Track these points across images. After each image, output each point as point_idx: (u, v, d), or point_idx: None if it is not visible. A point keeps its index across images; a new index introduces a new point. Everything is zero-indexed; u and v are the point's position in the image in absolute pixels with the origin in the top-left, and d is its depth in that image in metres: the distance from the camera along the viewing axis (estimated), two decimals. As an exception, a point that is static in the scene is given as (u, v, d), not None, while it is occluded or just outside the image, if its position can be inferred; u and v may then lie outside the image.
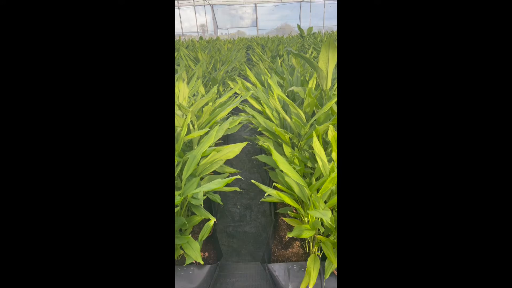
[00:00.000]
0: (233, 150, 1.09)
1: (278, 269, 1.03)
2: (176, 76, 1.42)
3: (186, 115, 1.34)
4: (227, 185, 1.77)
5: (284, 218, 1.16)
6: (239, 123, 1.46)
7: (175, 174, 1.11)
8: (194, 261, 1.13)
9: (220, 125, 1.19)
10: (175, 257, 1.12)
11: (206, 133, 1.21)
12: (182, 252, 1.10)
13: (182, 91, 1.55)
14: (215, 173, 1.56)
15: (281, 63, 2.96)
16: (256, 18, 13.33)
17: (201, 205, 1.04)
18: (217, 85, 2.30)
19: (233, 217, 1.64)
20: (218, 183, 0.86)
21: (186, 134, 1.28)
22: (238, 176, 0.89)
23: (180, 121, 1.23)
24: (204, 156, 1.07)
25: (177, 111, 1.35)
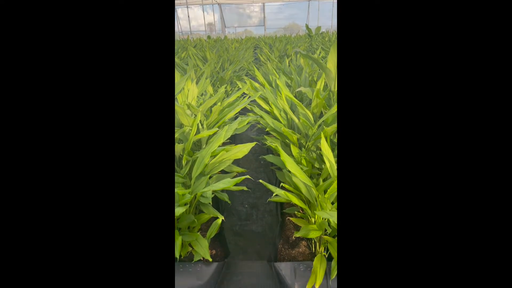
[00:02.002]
0: (242, 150, 1.11)
1: (284, 268, 1.04)
2: (185, 76, 1.44)
3: (196, 115, 1.36)
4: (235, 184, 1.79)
5: (291, 218, 1.18)
6: (247, 123, 1.48)
7: (185, 173, 1.13)
8: (202, 258, 1.15)
9: (228, 125, 1.21)
10: (184, 254, 1.14)
11: (215, 133, 1.23)
12: (190, 249, 1.12)
13: (191, 91, 1.58)
14: (223, 172, 1.58)
15: (289, 63, 2.96)
16: (264, 17, 13.31)
17: (209, 203, 1.06)
18: (225, 85, 2.32)
19: (240, 216, 1.66)
20: (227, 183, 0.88)
21: (196, 134, 1.30)
22: (247, 176, 0.90)
23: (190, 121, 1.25)
24: (213, 155, 1.09)
25: (187, 111, 1.37)
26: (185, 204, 0.92)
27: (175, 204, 0.89)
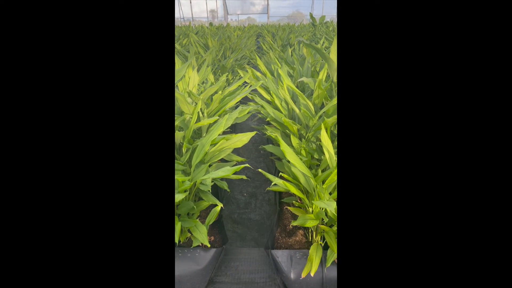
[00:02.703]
0: (242, 139, 1.11)
1: (281, 256, 1.07)
2: (186, 63, 1.43)
3: (196, 103, 1.35)
4: (235, 173, 1.81)
5: (289, 207, 1.19)
6: (248, 113, 1.47)
7: (184, 161, 1.14)
8: (200, 244, 1.17)
9: (229, 113, 1.21)
10: (183, 240, 1.16)
11: (216, 122, 1.23)
12: (189, 235, 1.15)
13: (192, 79, 1.56)
14: (222, 160, 1.59)
15: (291, 52, 2.93)
16: (268, 4, 13.03)
17: (209, 191, 1.07)
18: (227, 73, 2.30)
19: (239, 204, 1.68)
20: (226, 171, 0.89)
21: (196, 122, 1.30)
22: (247, 165, 0.91)
23: (190, 109, 1.25)
24: (213, 144, 1.09)
25: (187, 98, 1.37)
26: (185, 191, 0.93)
27: (175, 191, 0.90)
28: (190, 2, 8.54)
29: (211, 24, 7.33)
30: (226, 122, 1.08)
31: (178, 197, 0.84)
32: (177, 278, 1.06)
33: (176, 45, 3.04)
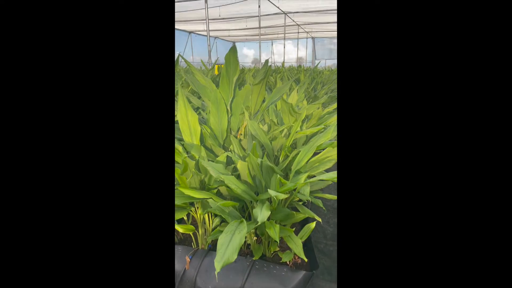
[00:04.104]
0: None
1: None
2: (288, 82, 1.47)
3: (297, 117, 1.34)
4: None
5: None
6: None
7: (282, 168, 1.10)
8: (287, 262, 1.06)
9: (334, 125, 1.14)
10: (269, 254, 1.07)
11: (319, 131, 1.17)
12: (278, 249, 1.05)
13: (291, 96, 1.59)
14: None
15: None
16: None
17: (307, 200, 0.98)
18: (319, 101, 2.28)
19: (325, 234, 1.51)
20: (333, 175, 0.80)
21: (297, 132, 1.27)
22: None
23: (291, 119, 1.24)
24: (318, 150, 1.02)
25: (289, 112, 1.37)
26: (286, 193, 0.87)
27: (275, 191, 0.85)
28: (284, 47, 9.42)
29: (300, 66, 7.74)
30: (333, 131, 1.01)
31: (279, 196, 0.79)
32: (260, 293, 0.95)
33: (271, 77, 3.27)
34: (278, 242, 0.99)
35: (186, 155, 0.90)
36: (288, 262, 1.05)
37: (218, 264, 0.65)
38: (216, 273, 0.68)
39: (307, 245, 1.14)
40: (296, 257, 1.09)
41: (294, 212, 0.95)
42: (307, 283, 1.02)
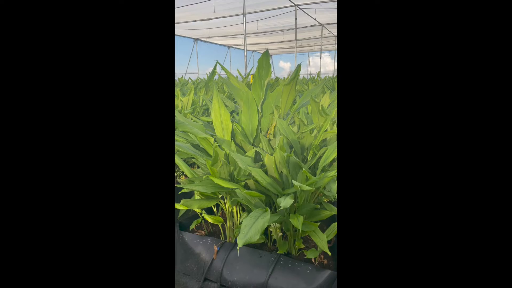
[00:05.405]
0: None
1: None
2: (320, 84, 1.48)
3: (327, 117, 1.34)
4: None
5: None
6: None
7: (309, 166, 1.11)
8: (313, 260, 1.04)
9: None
10: (294, 252, 1.07)
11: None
12: (303, 246, 1.04)
13: (323, 99, 1.60)
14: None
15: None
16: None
17: (333, 198, 0.97)
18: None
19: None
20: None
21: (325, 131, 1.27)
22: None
23: (321, 120, 1.24)
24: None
25: (319, 112, 1.38)
26: (311, 186, 0.87)
27: (302, 184, 0.86)
28: (320, 59, 9.47)
29: (336, 77, 7.64)
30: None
31: (303, 187, 0.80)
32: (283, 288, 0.95)
33: (305, 85, 3.29)
34: (301, 232, 0.99)
35: (217, 145, 0.96)
36: (313, 260, 1.03)
37: (240, 241, 0.68)
38: (238, 248, 0.72)
39: (333, 247, 1.12)
40: (322, 257, 1.07)
41: (320, 208, 0.94)
42: (333, 283, 0.99)
